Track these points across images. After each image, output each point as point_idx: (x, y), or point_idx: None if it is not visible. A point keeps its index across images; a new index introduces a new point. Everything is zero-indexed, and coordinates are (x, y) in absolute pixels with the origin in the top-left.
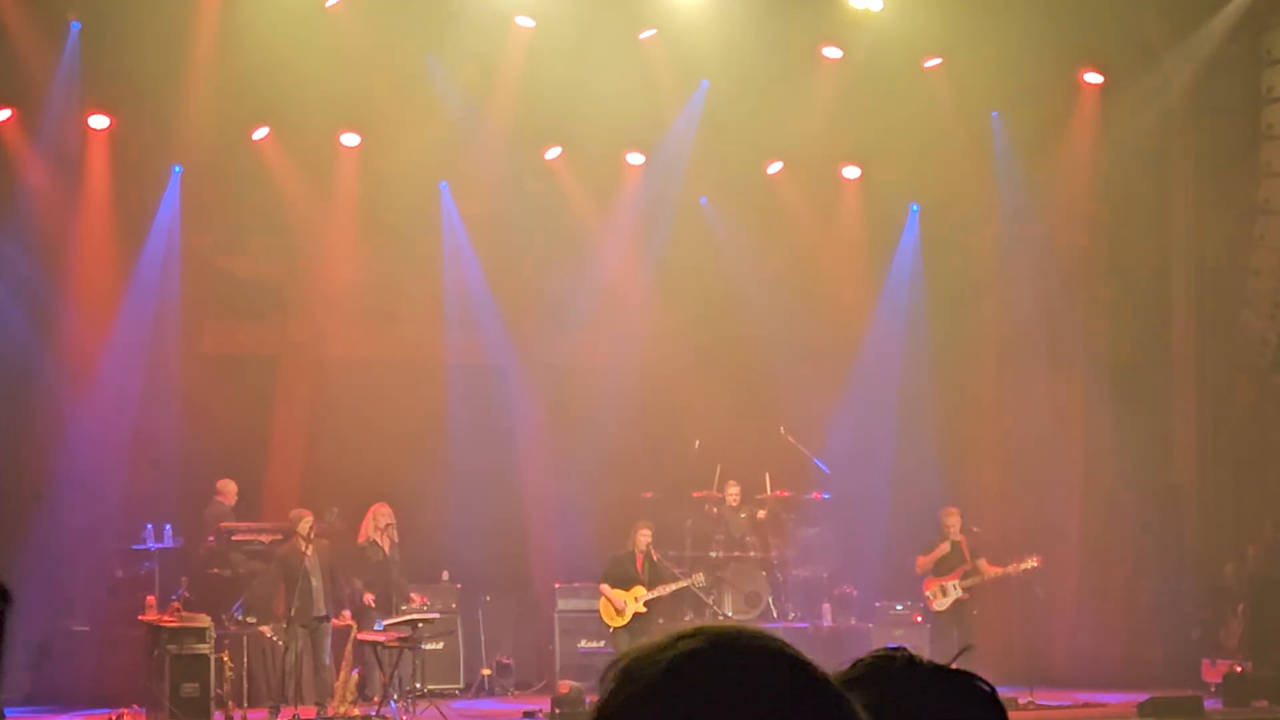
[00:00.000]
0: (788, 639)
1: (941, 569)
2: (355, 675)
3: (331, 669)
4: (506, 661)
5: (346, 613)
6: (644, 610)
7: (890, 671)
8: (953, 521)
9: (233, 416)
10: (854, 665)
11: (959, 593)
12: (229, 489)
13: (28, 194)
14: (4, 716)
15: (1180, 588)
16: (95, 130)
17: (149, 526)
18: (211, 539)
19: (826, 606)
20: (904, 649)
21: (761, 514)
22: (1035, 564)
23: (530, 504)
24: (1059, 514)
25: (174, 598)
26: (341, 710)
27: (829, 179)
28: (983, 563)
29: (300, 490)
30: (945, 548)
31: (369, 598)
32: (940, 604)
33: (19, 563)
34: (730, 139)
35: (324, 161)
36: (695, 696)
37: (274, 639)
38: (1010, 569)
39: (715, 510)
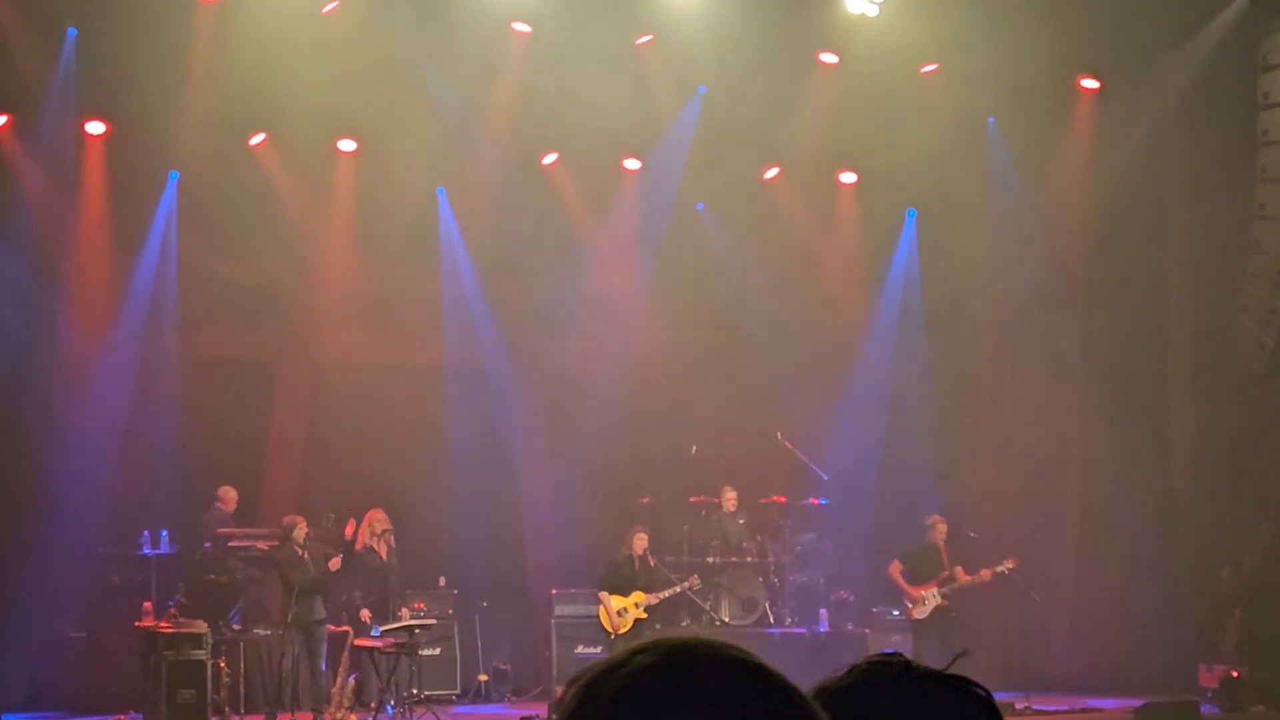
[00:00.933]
0: (784, 644)
1: (920, 576)
2: (352, 681)
3: (328, 675)
4: (503, 667)
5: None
6: (644, 616)
7: (886, 677)
8: (940, 529)
9: (229, 422)
10: (850, 671)
11: (938, 600)
12: (230, 496)
13: (24, 200)
14: None
15: (1177, 593)
16: (91, 136)
17: (145, 533)
18: (208, 545)
19: (823, 612)
20: (900, 654)
21: (759, 538)
22: (1011, 566)
23: (527, 510)
24: (1056, 520)
25: (171, 604)
26: (338, 716)
27: (825, 185)
28: (959, 570)
29: (297, 496)
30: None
31: (365, 614)
32: (921, 612)
33: (16, 569)
34: (727, 145)
35: (320, 167)
36: (654, 710)
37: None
38: (983, 575)
39: (706, 514)
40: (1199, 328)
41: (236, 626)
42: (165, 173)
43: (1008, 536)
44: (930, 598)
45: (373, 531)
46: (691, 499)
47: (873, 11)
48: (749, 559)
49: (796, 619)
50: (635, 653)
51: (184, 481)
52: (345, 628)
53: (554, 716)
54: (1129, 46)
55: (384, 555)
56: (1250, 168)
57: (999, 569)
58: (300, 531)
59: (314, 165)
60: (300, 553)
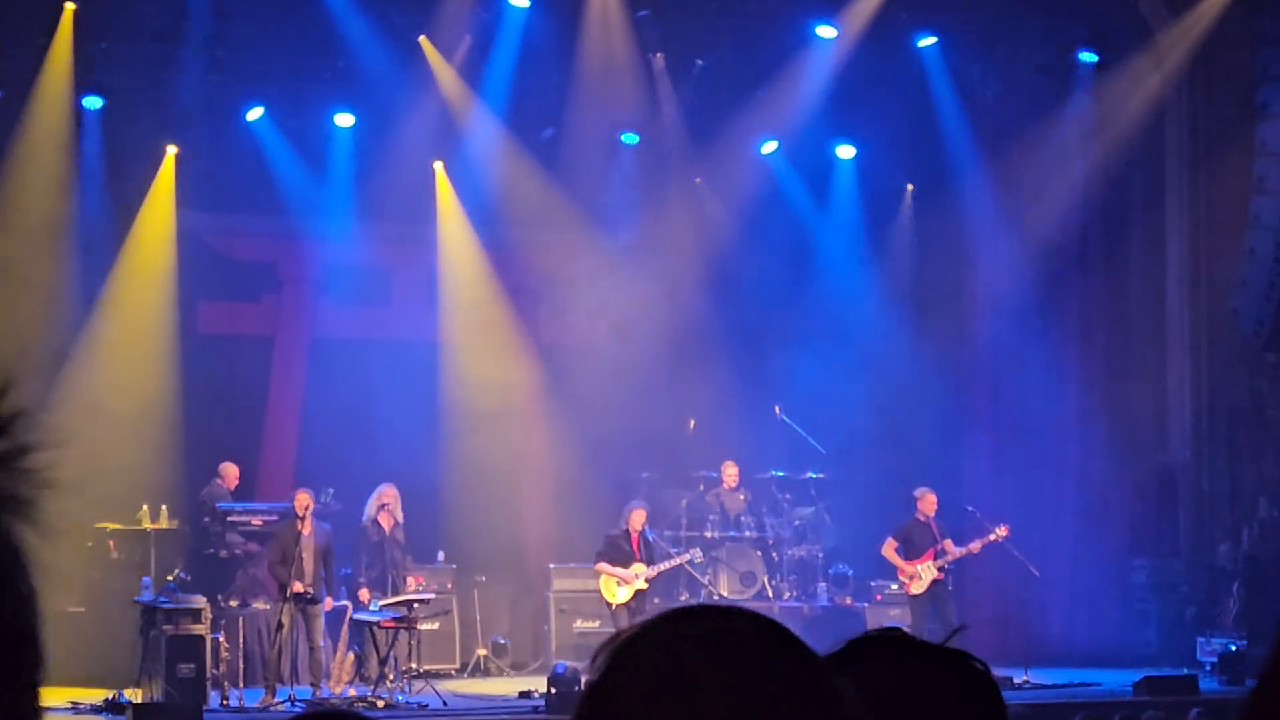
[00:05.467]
0: (783, 619)
1: (913, 551)
2: (351, 655)
3: (326, 649)
4: (502, 641)
5: (329, 599)
6: (645, 588)
7: (885, 652)
8: (929, 500)
9: (228, 397)
10: (848, 645)
11: (934, 573)
12: (230, 472)
13: (20, 176)
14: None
15: (1175, 567)
16: (88, 111)
17: (144, 507)
18: (208, 520)
19: (822, 586)
20: (899, 629)
21: (758, 512)
22: (1003, 533)
23: (526, 484)
24: (1054, 493)
25: (170, 578)
26: (338, 690)
27: (823, 158)
28: (948, 543)
29: (295, 471)
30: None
31: (364, 594)
32: (918, 587)
33: None
34: (725, 118)
35: (318, 141)
36: (684, 672)
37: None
38: (976, 545)
39: (705, 489)
40: (1198, 302)
41: (235, 601)
42: (163, 147)
43: (1006, 510)
44: (926, 571)
45: (376, 505)
46: (690, 474)
47: None
48: (747, 533)
49: (795, 593)
50: (666, 618)
51: (183, 456)
52: (344, 602)
53: (586, 680)
54: (1128, 20)
55: (387, 529)
56: (1249, 142)
57: (990, 537)
58: (302, 504)
59: (312, 139)
60: (300, 526)
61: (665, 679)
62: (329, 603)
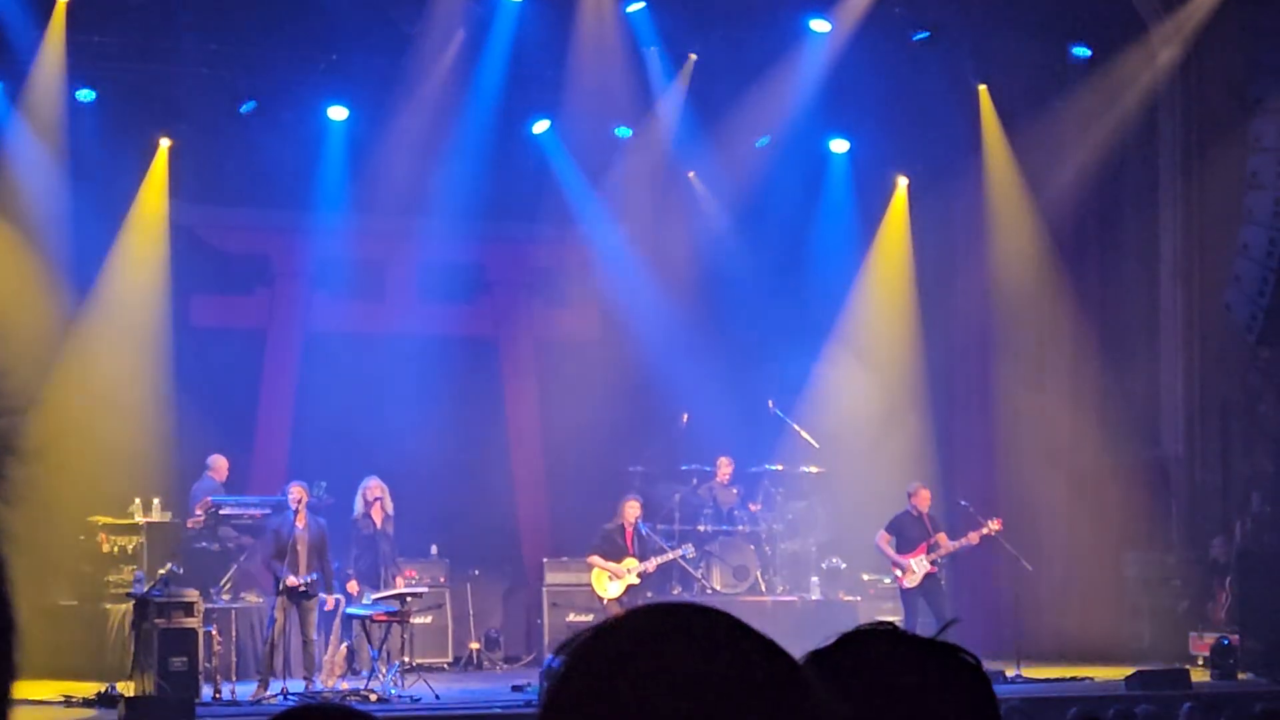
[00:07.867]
0: (776, 612)
1: (906, 544)
2: (344, 649)
3: (319, 643)
4: (495, 635)
5: (329, 597)
6: (637, 583)
7: (877, 646)
8: (922, 495)
9: (221, 390)
10: (839, 640)
11: (927, 567)
12: (220, 465)
13: (13, 168)
14: None
15: (1168, 561)
16: (81, 103)
17: (137, 500)
18: (200, 513)
19: (815, 580)
20: (891, 623)
21: (751, 506)
22: (996, 527)
23: (519, 478)
24: (1046, 487)
25: (162, 572)
26: (330, 684)
27: (817, 152)
28: (941, 537)
29: (288, 464)
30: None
31: (353, 586)
32: (910, 580)
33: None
34: (719, 113)
35: (312, 134)
36: (645, 671)
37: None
38: (969, 539)
39: (698, 483)
40: (1191, 296)
41: (227, 594)
42: (156, 140)
43: (999, 503)
44: (919, 565)
45: (365, 500)
46: (683, 468)
47: None
48: (740, 527)
49: (788, 587)
50: (624, 617)
51: (175, 449)
52: (337, 595)
53: (547, 684)
54: (1121, 15)
55: (378, 523)
56: (1243, 137)
57: (984, 531)
58: (295, 497)
59: (305, 132)
60: (296, 520)
61: (626, 674)
62: (330, 600)
